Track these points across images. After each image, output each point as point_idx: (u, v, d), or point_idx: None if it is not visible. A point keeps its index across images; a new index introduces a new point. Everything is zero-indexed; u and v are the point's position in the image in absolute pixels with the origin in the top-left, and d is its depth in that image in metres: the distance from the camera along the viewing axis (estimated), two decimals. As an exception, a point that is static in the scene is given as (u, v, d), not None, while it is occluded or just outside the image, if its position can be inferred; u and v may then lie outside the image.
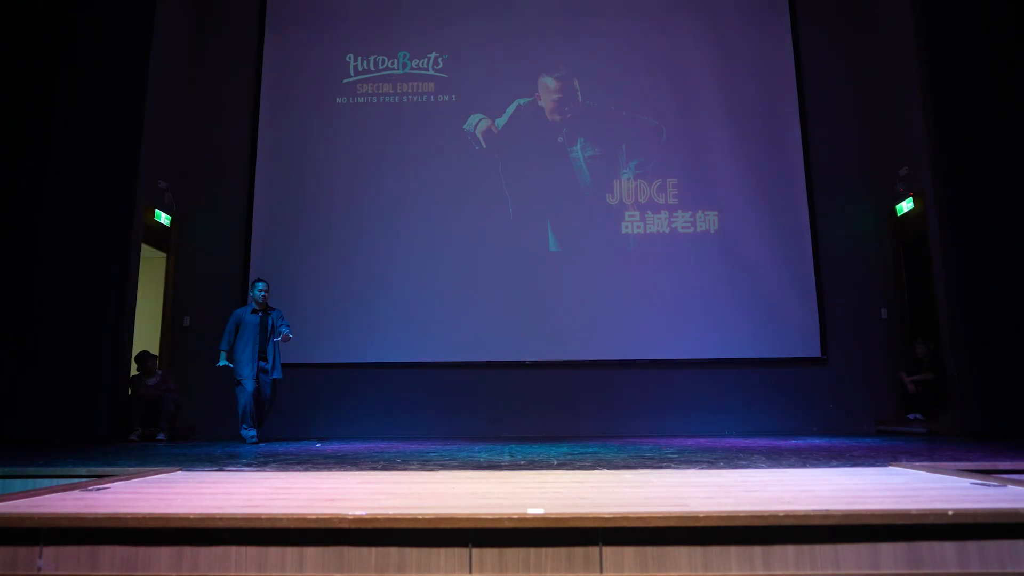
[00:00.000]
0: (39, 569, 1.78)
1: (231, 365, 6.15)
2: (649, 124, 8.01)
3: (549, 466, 3.47)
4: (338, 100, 8.17)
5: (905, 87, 7.27)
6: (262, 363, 6.15)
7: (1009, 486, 2.26)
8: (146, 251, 7.39)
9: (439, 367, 7.58)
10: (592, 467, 3.38)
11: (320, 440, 6.26)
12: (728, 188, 7.82)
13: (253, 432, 6.04)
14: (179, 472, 3.16)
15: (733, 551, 1.73)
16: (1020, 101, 6.08)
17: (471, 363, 7.57)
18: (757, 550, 1.73)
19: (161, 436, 6.38)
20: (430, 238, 7.82)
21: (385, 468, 3.43)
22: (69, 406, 5.88)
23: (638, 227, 7.81)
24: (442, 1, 8.35)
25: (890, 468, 3.10)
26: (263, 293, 6.27)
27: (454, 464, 3.63)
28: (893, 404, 7.34)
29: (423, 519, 1.76)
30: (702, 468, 3.26)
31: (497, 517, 1.75)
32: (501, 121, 8.09)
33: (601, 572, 1.73)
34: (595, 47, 8.16)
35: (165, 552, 1.78)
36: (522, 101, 8.12)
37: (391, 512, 1.80)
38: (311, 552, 1.76)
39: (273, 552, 1.77)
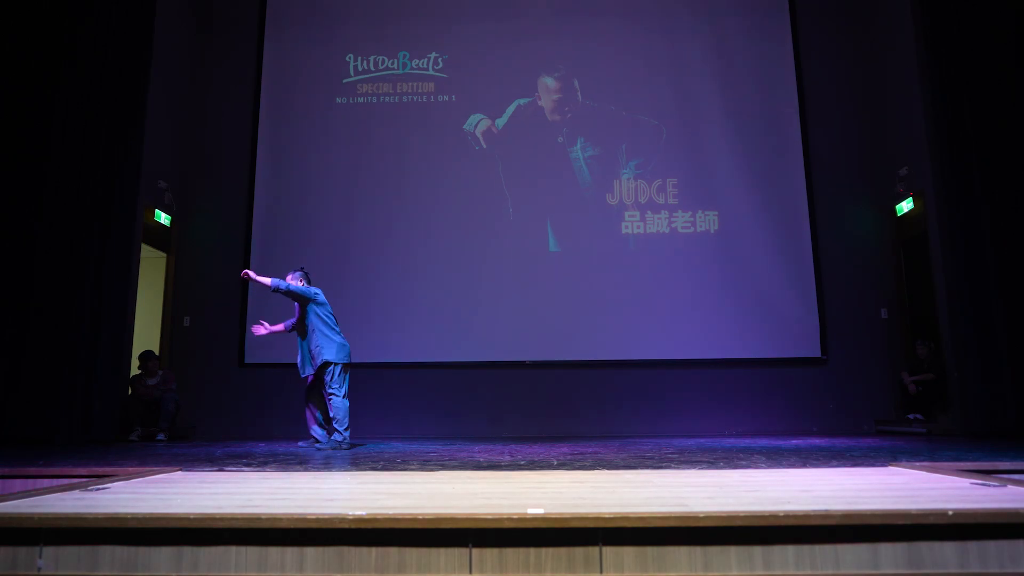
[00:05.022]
0: (39, 569, 1.78)
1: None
2: (649, 124, 8.00)
3: (549, 466, 3.47)
4: (338, 100, 8.17)
5: (905, 87, 7.27)
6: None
7: (1009, 486, 2.26)
8: (146, 251, 7.40)
9: (439, 367, 7.58)
10: (592, 467, 3.38)
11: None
12: (728, 188, 7.82)
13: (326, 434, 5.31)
14: (179, 472, 3.16)
15: (733, 551, 1.73)
16: (1020, 101, 6.08)
17: (471, 363, 7.57)
18: (757, 550, 1.73)
19: (161, 436, 6.38)
20: (430, 238, 7.81)
21: (385, 468, 3.43)
22: (69, 406, 5.88)
23: (638, 227, 7.81)
24: (442, 1, 8.35)
25: (890, 468, 3.10)
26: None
27: (454, 464, 3.63)
28: (893, 404, 7.33)
29: (423, 519, 1.76)
30: (702, 468, 3.26)
31: (497, 517, 1.75)
32: (501, 121, 8.09)
33: (601, 572, 1.73)
34: (595, 47, 8.16)
35: (165, 552, 1.78)
36: (522, 101, 8.12)
37: (391, 512, 1.80)
38: (311, 552, 1.76)
39: (273, 552, 1.77)
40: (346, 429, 5.15)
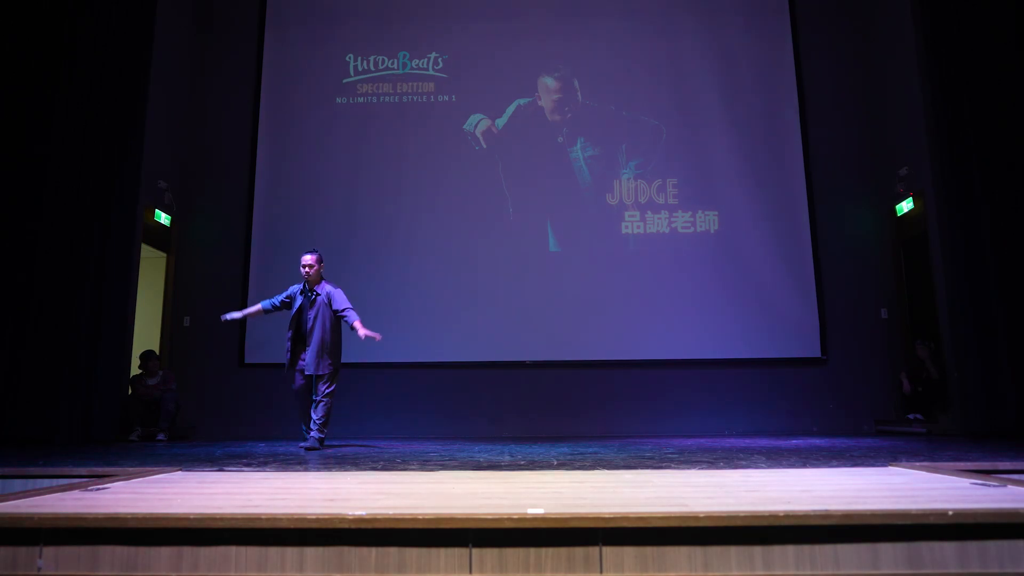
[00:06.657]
0: (39, 569, 1.78)
1: (235, 318, 5.34)
2: (649, 124, 8.00)
3: (549, 466, 3.47)
4: (338, 100, 8.17)
5: (905, 87, 7.27)
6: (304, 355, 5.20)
7: (1009, 486, 2.26)
8: (146, 251, 7.39)
9: (439, 367, 7.58)
10: (592, 467, 3.38)
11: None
12: (728, 188, 7.82)
13: (305, 436, 5.19)
14: (179, 472, 3.16)
15: (733, 551, 1.73)
16: (1020, 101, 6.08)
17: (471, 363, 7.57)
18: (757, 550, 1.73)
19: (161, 436, 6.38)
20: (430, 238, 7.81)
21: (385, 468, 3.43)
22: (69, 406, 5.88)
23: (638, 227, 7.81)
24: (442, 1, 8.35)
25: (890, 468, 3.10)
26: (305, 268, 5.17)
27: (454, 464, 3.62)
28: (893, 404, 7.34)
29: (423, 519, 1.76)
30: (702, 468, 3.26)
31: (497, 517, 1.75)
32: (501, 121, 8.09)
33: (601, 572, 1.73)
34: (595, 47, 8.16)
35: (165, 552, 1.78)
36: (522, 101, 8.12)
37: (391, 512, 1.80)
38: (311, 552, 1.76)
39: (273, 552, 1.77)
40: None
